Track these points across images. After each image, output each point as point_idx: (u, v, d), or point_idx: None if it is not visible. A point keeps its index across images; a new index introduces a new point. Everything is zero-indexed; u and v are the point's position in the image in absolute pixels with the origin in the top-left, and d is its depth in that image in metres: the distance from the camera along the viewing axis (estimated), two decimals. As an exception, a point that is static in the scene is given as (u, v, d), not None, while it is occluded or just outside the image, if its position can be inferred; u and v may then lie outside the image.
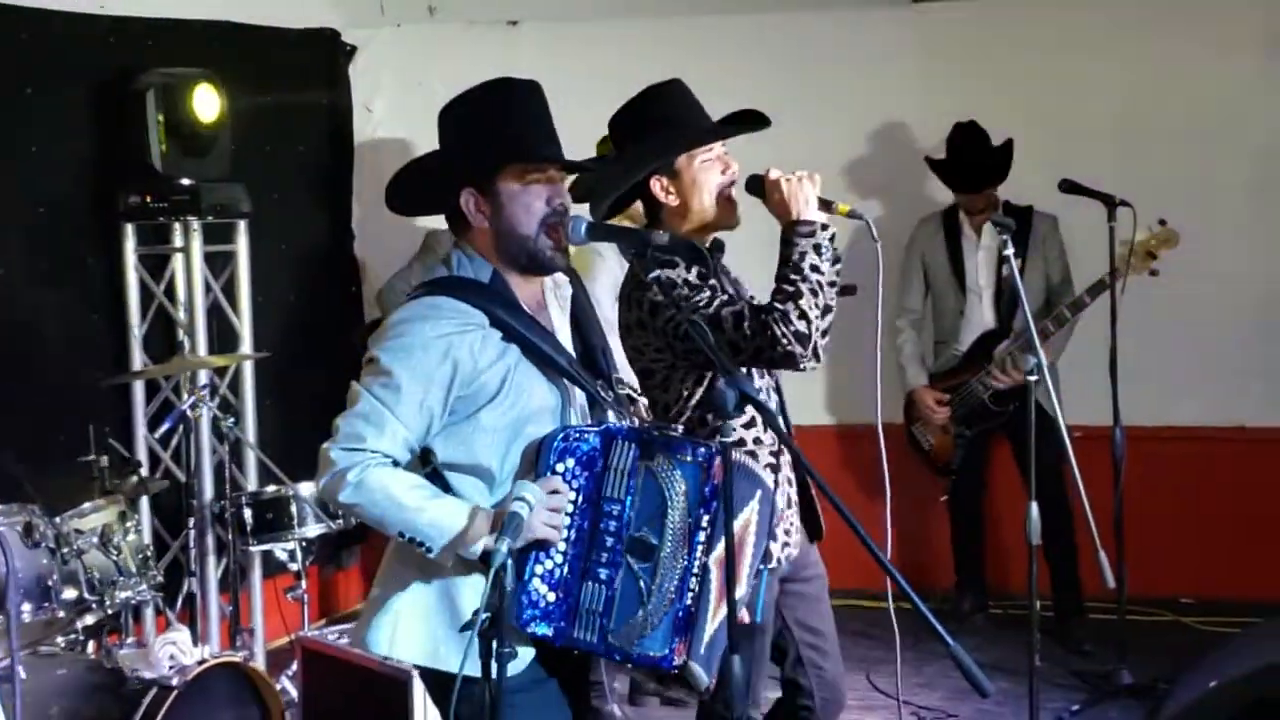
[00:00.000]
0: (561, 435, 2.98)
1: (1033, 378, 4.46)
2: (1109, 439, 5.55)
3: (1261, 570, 6.51)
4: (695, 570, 2.93)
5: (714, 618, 3.00)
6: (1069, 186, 5.86)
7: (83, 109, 5.84)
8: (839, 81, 7.08)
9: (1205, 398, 6.74)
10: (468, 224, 3.10)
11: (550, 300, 3.21)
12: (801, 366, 3.50)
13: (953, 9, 7.01)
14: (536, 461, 2.98)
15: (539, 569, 2.93)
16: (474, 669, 2.92)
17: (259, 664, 4.36)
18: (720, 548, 2.95)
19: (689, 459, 2.95)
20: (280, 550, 5.37)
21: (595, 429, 3.02)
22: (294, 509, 5.28)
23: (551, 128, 3.15)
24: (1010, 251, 4.59)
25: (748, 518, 3.06)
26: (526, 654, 2.97)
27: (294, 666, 4.91)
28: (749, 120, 3.81)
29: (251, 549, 5.47)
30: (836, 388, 7.27)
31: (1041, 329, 5.91)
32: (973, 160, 6.26)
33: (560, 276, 3.26)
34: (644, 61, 6.82)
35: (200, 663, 4.08)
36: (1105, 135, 6.64)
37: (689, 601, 2.93)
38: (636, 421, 3.22)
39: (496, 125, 3.10)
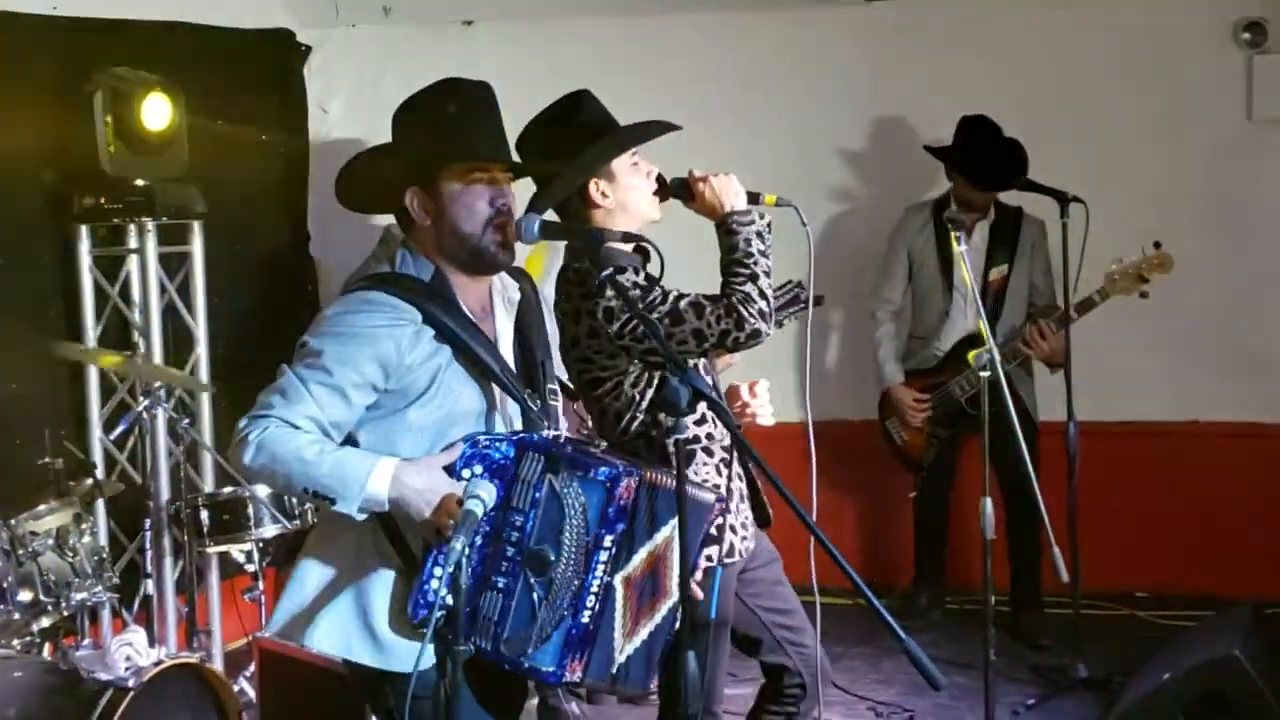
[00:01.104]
0: (473, 441, 2.98)
1: (985, 374, 4.48)
2: (1063, 434, 5.62)
3: (1214, 564, 6.58)
4: (594, 589, 2.95)
5: (630, 635, 3.03)
6: (1024, 184, 5.91)
7: (36, 111, 5.81)
8: (794, 79, 7.12)
9: (1159, 393, 6.80)
10: (413, 222, 3.13)
11: (498, 305, 3.23)
12: (762, 341, 3.57)
13: (905, 7, 7.04)
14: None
15: (437, 571, 2.91)
16: (385, 663, 2.99)
17: (216, 665, 4.36)
18: (631, 567, 3.00)
19: (591, 477, 2.94)
20: (237, 551, 5.37)
21: (510, 438, 3.01)
22: (250, 510, 5.27)
23: (498, 127, 3.18)
24: (963, 249, 4.62)
25: (667, 535, 3.09)
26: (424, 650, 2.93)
27: (251, 668, 4.92)
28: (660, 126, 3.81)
29: (208, 550, 5.47)
30: (801, 384, 7.31)
31: (1028, 340, 5.95)
32: (990, 155, 6.16)
33: (511, 282, 3.29)
34: (599, 61, 6.90)
35: (157, 664, 4.06)
36: (1065, 132, 6.67)
37: (585, 619, 2.95)
38: (560, 434, 3.21)
39: (440, 125, 3.12)
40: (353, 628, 3.02)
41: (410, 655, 2.96)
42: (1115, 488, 6.54)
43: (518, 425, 3.15)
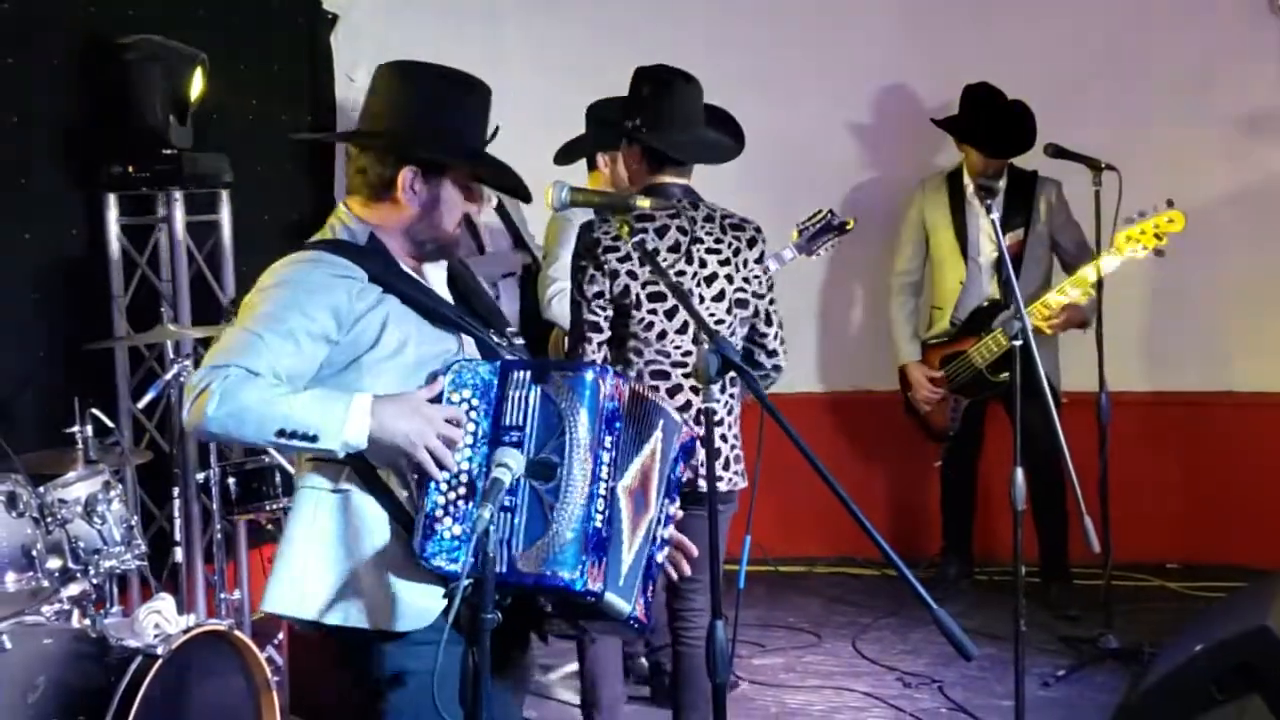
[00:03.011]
0: (455, 367, 2.97)
1: (1017, 342, 4.44)
2: (1093, 404, 5.59)
3: (1246, 535, 6.56)
4: (602, 492, 2.93)
5: (630, 549, 3.01)
6: (1055, 151, 5.88)
7: (64, 78, 5.81)
8: (828, 46, 7.09)
9: (1192, 363, 6.78)
10: (390, 193, 3.11)
11: (429, 271, 3.23)
12: None
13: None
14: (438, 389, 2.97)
15: (440, 500, 2.89)
16: (389, 623, 2.95)
17: (245, 633, 4.35)
18: (629, 477, 2.99)
19: (580, 375, 2.96)
20: (265, 519, 5.37)
21: (490, 362, 3.02)
22: (279, 478, 5.27)
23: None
24: (996, 216, 4.59)
25: (653, 448, 3.08)
26: (434, 600, 2.94)
27: (280, 635, 4.93)
28: None
29: (237, 518, 5.47)
30: (825, 355, 7.32)
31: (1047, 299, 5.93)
32: (997, 123, 6.14)
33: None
34: (625, 24, 6.88)
35: (186, 631, 4.06)
36: (1096, 100, 6.62)
37: (598, 522, 2.92)
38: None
39: (464, 128, 3.17)
40: (349, 596, 2.98)
41: (415, 611, 2.96)
42: (1147, 458, 6.52)
43: None
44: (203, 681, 4.10)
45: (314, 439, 2.85)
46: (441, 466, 2.89)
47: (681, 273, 4.20)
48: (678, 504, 3.20)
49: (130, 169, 5.82)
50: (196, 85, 5.75)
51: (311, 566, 3.01)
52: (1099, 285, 5.67)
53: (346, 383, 2.98)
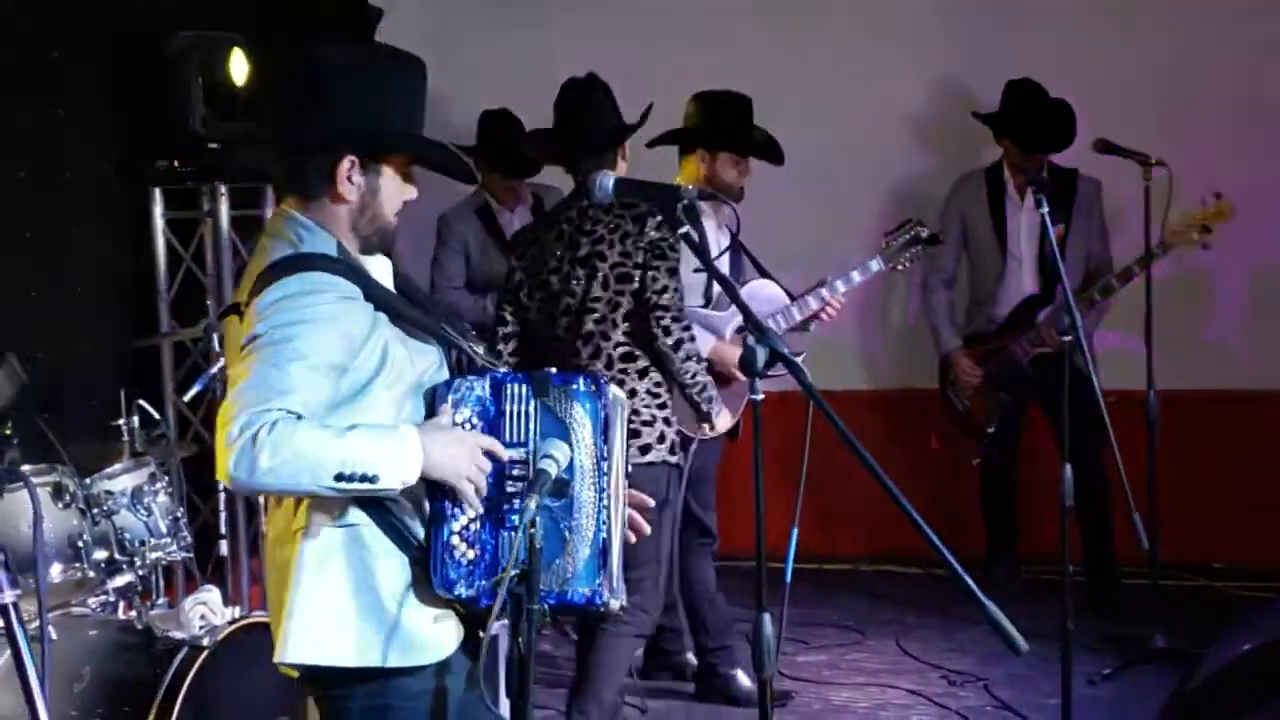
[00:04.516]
0: (451, 386, 2.91)
1: (1067, 338, 4.41)
2: (1141, 403, 5.54)
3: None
4: (606, 503, 2.91)
5: (615, 548, 2.98)
6: (1104, 146, 5.83)
7: (111, 73, 5.84)
8: (873, 49, 7.08)
9: (1241, 361, 6.72)
10: (329, 186, 2.93)
11: (376, 271, 3.06)
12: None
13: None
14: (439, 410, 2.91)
15: (455, 526, 2.84)
16: (408, 659, 2.86)
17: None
18: (614, 479, 2.96)
19: (583, 388, 2.91)
20: (309, 513, 5.39)
21: (480, 377, 2.94)
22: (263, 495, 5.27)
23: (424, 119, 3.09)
24: (1045, 210, 4.55)
25: (621, 442, 3.05)
26: (450, 635, 2.90)
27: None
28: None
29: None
30: (869, 353, 7.31)
31: (1089, 298, 5.88)
32: (1039, 119, 6.08)
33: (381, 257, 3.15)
34: (660, 22, 6.87)
35: (231, 623, 4.08)
36: (1144, 97, 6.56)
37: (604, 534, 2.90)
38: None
39: (400, 108, 2.98)
40: (368, 635, 2.86)
41: (438, 645, 2.90)
42: (1196, 457, 6.47)
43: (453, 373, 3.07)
44: (248, 672, 4.09)
45: (374, 480, 2.72)
46: (474, 497, 2.84)
47: (561, 258, 4.50)
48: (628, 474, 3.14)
49: (175, 163, 5.85)
50: (239, 73, 5.75)
51: (328, 612, 2.87)
52: (1148, 282, 5.61)
53: (358, 411, 2.83)
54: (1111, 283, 5.85)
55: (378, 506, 2.87)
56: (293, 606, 2.85)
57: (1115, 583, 6.11)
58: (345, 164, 2.90)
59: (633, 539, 3.14)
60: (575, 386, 2.91)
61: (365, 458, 2.70)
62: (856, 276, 5.27)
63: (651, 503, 3.21)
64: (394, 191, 2.98)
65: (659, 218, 4.28)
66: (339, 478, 2.68)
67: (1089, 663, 5.46)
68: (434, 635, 2.91)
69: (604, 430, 2.92)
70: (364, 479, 2.70)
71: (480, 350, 3.07)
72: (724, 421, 4.90)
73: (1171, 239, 5.63)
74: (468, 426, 2.88)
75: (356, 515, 2.86)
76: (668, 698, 5.25)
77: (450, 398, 2.90)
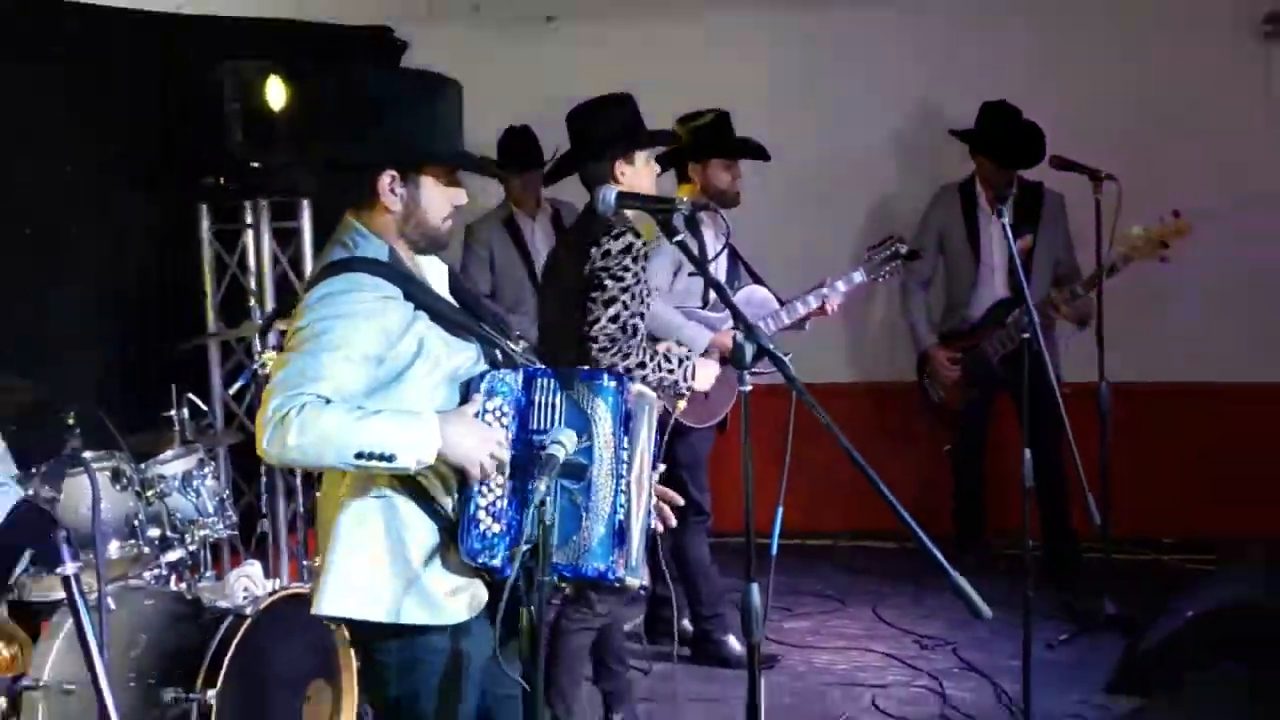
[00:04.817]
0: (486, 377, 2.95)
1: (1025, 335, 4.41)
2: (1093, 394, 5.54)
3: (1233, 511, 6.49)
4: (623, 487, 2.93)
5: (637, 530, 2.98)
6: (1059, 162, 5.81)
7: (163, 100, 5.85)
8: (843, 73, 7.08)
9: (1185, 357, 6.71)
10: (374, 199, 2.97)
11: (430, 272, 3.12)
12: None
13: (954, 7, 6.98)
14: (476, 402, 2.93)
15: (481, 502, 2.87)
16: (436, 619, 2.91)
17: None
18: (636, 467, 2.97)
19: (605, 384, 2.95)
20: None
21: (515, 371, 2.99)
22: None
23: (462, 132, 3.11)
24: (1007, 220, 4.54)
25: (647, 433, 3.05)
26: (474, 599, 2.93)
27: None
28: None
29: (317, 494, 5.47)
30: (852, 348, 7.30)
31: (1055, 306, 5.87)
32: (1014, 138, 6.03)
33: (434, 259, 3.17)
34: (664, 56, 6.87)
35: (271, 594, 4.10)
36: (1097, 117, 6.55)
37: (621, 515, 2.92)
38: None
39: (429, 121, 2.99)
40: (397, 593, 2.91)
41: (458, 608, 2.93)
42: (1145, 444, 6.46)
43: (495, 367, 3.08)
44: (287, 638, 4.11)
45: (391, 459, 2.77)
46: (485, 478, 2.87)
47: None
48: (661, 468, 3.15)
49: (220, 181, 5.85)
50: (275, 99, 5.75)
51: (362, 571, 2.93)
52: (1099, 288, 5.61)
53: (394, 396, 2.88)
54: (1077, 289, 5.82)
55: (412, 481, 2.91)
56: (330, 564, 2.93)
57: (1072, 557, 6.11)
58: (385, 178, 2.95)
59: (660, 529, 3.16)
60: (598, 382, 2.96)
61: (384, 439, 2.76)
62: (841, 286, 5.27)
63: (680, 500, 3.21)
64: (438, 198, 3.00)
65: (606, 246, 4.14)
66: (359, 455, 2.75)
67: (1048, 629, 5.46)
68: (458, 598, 2.95)
69: (624, 422, 2.95)
70: (382, 457, 2.76)
71: (518, 348, 3.10)
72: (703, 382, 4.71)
73: (1133, 252, 5.60)
74: (500, 413, 2.92)
75: (392, 487, 2.92)
76: (667, 660, 5.24)
77: (483, 388, 2.94)
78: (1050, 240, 6.14)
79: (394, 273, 2.92)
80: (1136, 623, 5.38)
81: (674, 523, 3.19)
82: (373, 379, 2.85)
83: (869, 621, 6.03)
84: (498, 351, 3.07)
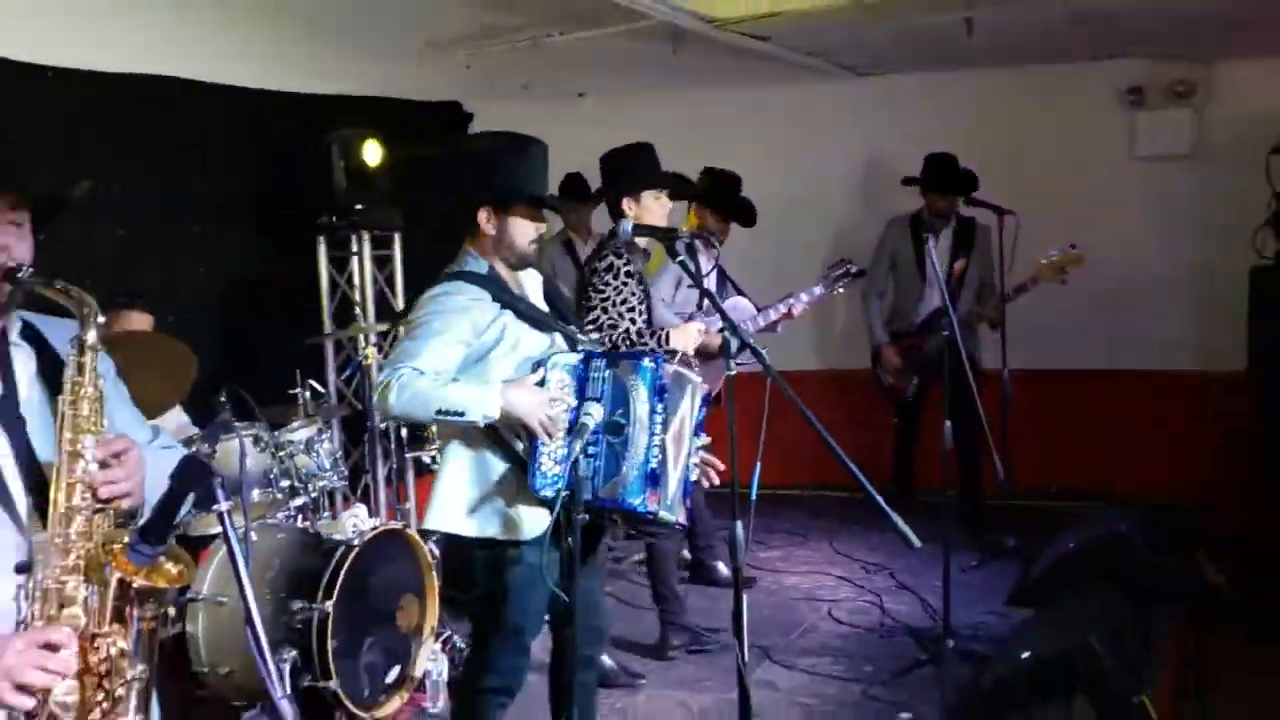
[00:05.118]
0: (552, 358, 3.01)
1: (945, 333, 4.41)
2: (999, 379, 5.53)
3: (1106, 469, 6.49)
4: (656, 442, 2.95)
5: (673, 477, 3.01)
6: (974, 202, 5.80)
7: (288, 159, 5.87)
8: (813, 130, 7.08)
9: (1072, 347, 6.69)
10: (478, 228, 3.11)
11: (528, 285, 3.23)
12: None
13: (893, 81, 6.96)
14: (541, 374, 2.99)
15: (544, 449, 2.94)
16: (512, 535, 2.99)
17: (413, 531, 4.39)
18: (673, 429, 2.99)
19: (643, 364, 2.98)
20: (425, 455, 5.40)
21: (579, 353, 3.05)
22: (434, 428, 5.29)
23: (546, 179, 3.19)
24: (932, 244, 4.54)
25: (687, 404, 3.06)
26: (544, 518, 2.96)
27: (436, 535, 4.96)
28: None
29: (407, 455, 5.51)
30: (817, 342, 7.28)
31: (979, 314, 5.85)
32: (951, 174, 5.98)
33: (534, 272, 3.27)
34: (668, 125, 6.81)
35: (373, 529, 4.12)
36: (1000, 165, 6.52)
37: (653, 464, 2.94)
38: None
39: (517, 171, 3.10)
40: (485, 514, 3.01)
41: (529, 526, 2.99)
42: (1041, 416, 6.44)
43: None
44: (385, 564, 4.13)
45: (462, 414, 2.89)
46: (548, 431, 2.93)
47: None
48: (704, 438, 3.16)
49: (333, 219, 5.87)
50: (372, 157, 5.77)
51: (456, 499, 3.04)
52: (1002, 297, 5.58)
53: (479, 371, 3.00)
54: (994, 310, 5.74)
55: (493, 432, 3.00)
56: (435, 491, 3.07)
57: (980, 503, 6.10)
58: (482, 214, 3.09)
59: (705, 483, 3.17)
60: (637, 362, 2.99)
61: (457, 400, 2.89)
62: (805, 297, 5.22)
63: (721, 465, 3.18)
64: (523, 228, 3.10)
65: (593, 265, 4.11)
66: (439, 412, 2.90)
67: (962, 558, 5.49)
68: (528, 520, 3.01)
69: (659, 393, 2.97)
70: (456, 413, 2.89)
71: (586, 337, 3.19)
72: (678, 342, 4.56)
73: (1040, 275, 5.58)
74: (561, 383, 2.98)
75: (481, 438, 3.01)
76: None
77: (548, 364, 3.00)
78: (978, 263, 6.10)
79: (486, 281, 3.05)
80: (1029, 553, 5.38)
81: (716, 481, 3.18)
82: (463, 358, 2.96)
83: (826, 552, 6.04)
84: (570, 339, 3.12)
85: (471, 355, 3.00)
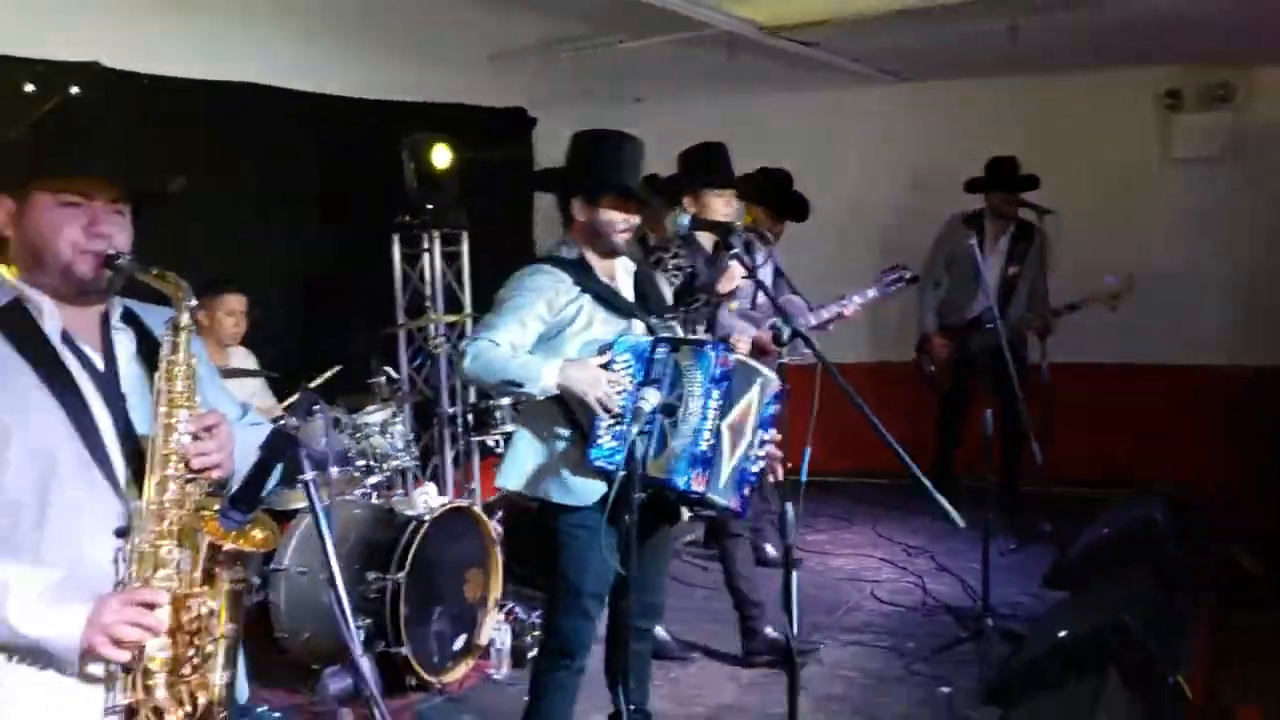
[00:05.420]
0: (620, 340, 3.02)
1: (990, 325, 4.34)
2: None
3: (1141, 461, 6.36)
4: (709, 428, 2.91)
5: (728, 464, 2.97)
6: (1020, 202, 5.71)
7: (365, 162, 5.92)
8: (852, 141, 7.00)
9: (1112, 343, 6.52)
10: (572, 218, 3.13)
11: (619, 272, 3.22)
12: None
13: (936, 87, 6.86)
14: (609, 354, 3.01)
15: (603, 425, 2.95)
16: (567, 500, 3.01)
17: (478, 509, 4.41)
18: (732, 415, 2.95)
19: (702, 351, 2.96)
20: (490, 439, 5.42)
21: (647, 337, 3.05)
22: (498, 414, 5.30)
23: (638, 174, 3.16)
24: (973, 243, 4.47)
25: (751, 397, 3.02)
26: (599, 488, 2.98)
27: (500, 512, 5.00)
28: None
29: (473, 439, 5.54)
30: (870, 334, 7.17)
31: (1028, 322, 5.74)
32: (1013, 176, 5.84)
33: (627, 262, 3.27)
34: (718, 127, 6.75)
35: (442, 506, 4.15)
36: (1040, 169, 6.38)
37: (704, 448, 2.90)
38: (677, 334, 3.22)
39: (611, 162, 3.11)
40: (546, 478, 3.05)
41: (584, 493, 3.02)
42: (1077, 407, 6.32)
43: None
44: (453, 538, 4.17)
45: (521, 386, 2.94)
46: (605, 407, 2.94)
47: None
48: (773, 432, 3.11)
49: (407, 218, 5.91)
50: (441, 160, 5.80)
51: (526, 463, 3.08)
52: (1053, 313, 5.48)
53: (553, 346, 3.03)
54: (1049, 319, 5.67)
55: (563, 405, 3.02)
56: (508, 454, 3.14)
57: (1017, 489, 6.00)
58: (576, 204, 3.11)
59: (769, 477, 3.15)
60: (699, 349, 2.98)
61: (519, 373, 2.94)
62: (857, 299, 5.09)
63: (779, 454, 3.13)
64: (613, 219, 3.10)
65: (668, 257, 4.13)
66: (503, 381, 2.96)
67: (1001, 541, 5.41)
68: (586, 488, 3.02)
69: (716, 380, 2.93)
70: (516, 384, 2.95)
71: (662, 324, 3.17)
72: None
73: (1093, 299, 5.48)
74: (626, 364, 2.99)
75: (551, 407, 3.04)
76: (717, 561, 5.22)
77: (615, 345, 3.01)
78: (1032, 269, 5.92)
79: (570, 265, 3.09)
80: (1064, 538, 5.30)
81: (780, 476, 3.15)
82: (538, 334, 3.01)
83: (870, 536, 5.99)
84: (647, 327, 3.13)
85: (548, 332, 3.04)
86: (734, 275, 4.07)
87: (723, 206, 4.06)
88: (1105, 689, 3.17)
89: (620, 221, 3.10)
